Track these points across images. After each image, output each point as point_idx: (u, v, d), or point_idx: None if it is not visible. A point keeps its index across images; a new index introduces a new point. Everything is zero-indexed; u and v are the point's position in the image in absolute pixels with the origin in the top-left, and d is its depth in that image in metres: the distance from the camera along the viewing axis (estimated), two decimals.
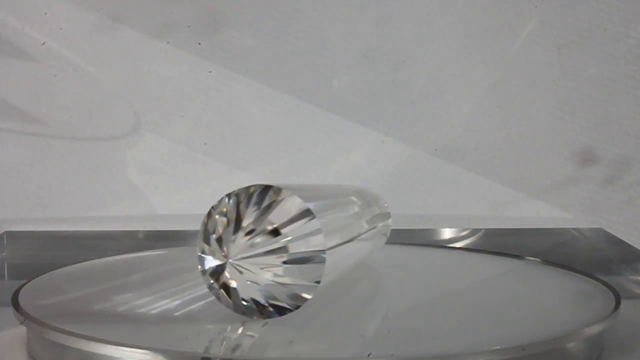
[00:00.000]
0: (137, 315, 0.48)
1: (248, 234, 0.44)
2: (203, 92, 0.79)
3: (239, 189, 0.45)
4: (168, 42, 0.78)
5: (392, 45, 0.79)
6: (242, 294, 0.44)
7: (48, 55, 0.78)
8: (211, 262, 0.45)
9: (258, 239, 0.44)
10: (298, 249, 0.44)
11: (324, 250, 0.44)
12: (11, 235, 0.78)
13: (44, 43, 0.78)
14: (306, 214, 0.44)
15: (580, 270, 0.57)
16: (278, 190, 0.44)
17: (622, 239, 0.76)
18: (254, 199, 0.45)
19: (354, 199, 0.57)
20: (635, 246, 0.74)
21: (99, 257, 0.61)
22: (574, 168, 0.80)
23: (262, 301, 0.44)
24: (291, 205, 0.44)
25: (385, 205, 0.62)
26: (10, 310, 0.46)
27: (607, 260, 0.73)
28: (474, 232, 0.79)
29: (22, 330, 0.46)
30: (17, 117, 0.79)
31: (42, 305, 0.47)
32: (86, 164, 0.79)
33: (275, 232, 0.44)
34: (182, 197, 0.79)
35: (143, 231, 0.78)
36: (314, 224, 0.44)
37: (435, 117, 0.80)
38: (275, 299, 0.44)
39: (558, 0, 0.78)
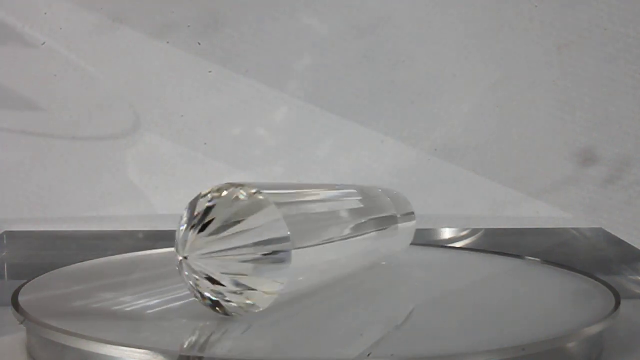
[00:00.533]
0: (137, 315, 0.48)
1: (204, 231, 0.43)
2: (203, 92, 0.79)
3: (211, 187, 0.45)
4: (168, 42, 0.78)
5: (392, 45, 0.79)
6: (201, 292, 0.44)
7: (48, 55, 0.78)
8: (176, 259, 0.45)
9: (216, 239, 0.43)
10: (260, 250, 0.43)
11: (290, 251, 0.43)
12: (11, 235, 0.78)
13: (44, 43, 0.78)
14: (271, 212, 0.43)
15: (580, 270, 0.57)
16: (244, 188, 0.44)
17: (622, 239, 0.76)
18: (220, 197, 0.44)
19: (350, 199, 0.56)
20: (635, 246, 0.74)
21: (99, 257, 0.61)
22: (574, 168, 0.80)
23: (221, 301, 0.44)
24: (257, 204, 0.44)
25: (410, 206, 0.61)
26: (10, 310, 0.46)
27: (607, 260, 0.73)
28: (474, 232, 0.79)
29: (22, 330, 0.46)
30: (17, 117, 0.79)
31: (42, 305, 0.47)
32: (86, 164, 0.79)
33: (235, 231, 0.43)
34: (182, 197, 0.79)
35: (143, 231, 0.78)
36: (279, 223, 0.43)
37: (435, 117, 0.80)
38: (236, 299, 0.44)
39: (558, 0, 0.78)
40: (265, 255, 0.43)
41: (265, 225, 0.43)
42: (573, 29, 0.78)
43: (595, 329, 0.44)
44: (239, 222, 0.43)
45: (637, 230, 0.80)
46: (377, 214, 0.56)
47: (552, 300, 0.53)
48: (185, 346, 0.42)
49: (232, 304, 0.44)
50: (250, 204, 0.44)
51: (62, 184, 0.79)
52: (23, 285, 0.50)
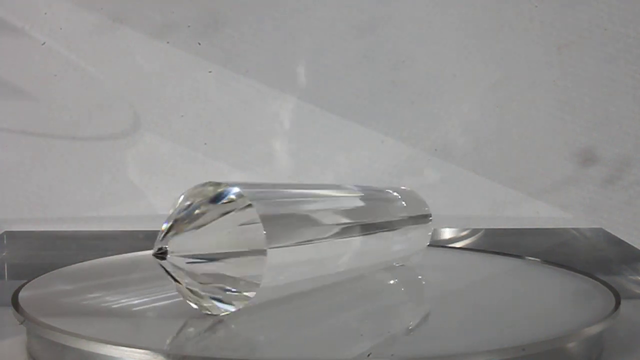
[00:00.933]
0: (137, 315, 0.48)
1: (180, 230, 0.43)
2: (203, 92, 0.79)
3: (193, 185, 0.45)
4: (168, 42, 0.78)
5: (392, 45, 0.79)
6: (180, 291, 0.44)
7: (48, 55, 0.78)
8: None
9: (190, 237, 0.43)
10: (235, 248, 0.43)
11: (265, 250, 0.43)
12: (11, 235, 0.78)
13: (44, 43, 0.78)
14: (248, 211, 0.43)
15: (580, 270, 0.57)
16: (222, 187, 0.44)
17: (622, 239, 0.76)
18: (198, 196, 0.44)
19: (346, 201, 0.55)
20: (635, 246, 0.74)
21: (99, 257, 0.61)
22: (574, 168, 0.80)
23: (200, 300, 0.44)
24: (235, 203, 0.43)
25: (426, 209, 0.60)
26: (10, 310, 0.46)
27: (607, 260, 0.73)
28: (474, 232, 0.79)
29: (22, 330, 0.46)
30: (17, 117, 0.79)
31: (42, 305, 0.47)
32: (86, 164, 0.79)
33: (210, 230, 0.43)
34: None
35: (143, 231, 0.78)
36: (255, 221, 0.43)
37: (435, 117, 0.80)
38: (212, 297, 0.44)
39: (558, 0, 0.78)
40: (240, 254, 0.43)
41: (242, 223, 0.43)
42: (573, 29, 0.78)
43: (595, 329, 0.44)
44: (214, 220, 0.43)
45: (637, 230, 0.80)
46: (378, 215, 0.55)
47: (552, 300, 0.53)
48: (181, 346, 0.42)
49: (211, 302, 0.44)
50: (228, 202, 0.44)
51: (62, 184, 0.79)
52: (23, 285, 0.50)
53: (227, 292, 0.43)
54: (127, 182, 0.80)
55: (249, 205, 0.43)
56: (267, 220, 0.44)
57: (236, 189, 0.44)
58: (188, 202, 0.44)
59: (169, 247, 0.43)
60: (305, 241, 0.47)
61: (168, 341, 0.42)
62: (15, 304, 0.46)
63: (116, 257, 0.62)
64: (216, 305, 0.44)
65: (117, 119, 0.80)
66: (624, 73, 0.78)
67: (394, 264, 0.59)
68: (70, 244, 0.77)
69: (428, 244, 0.61)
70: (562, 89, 0.79)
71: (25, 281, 0.51)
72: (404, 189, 0.61)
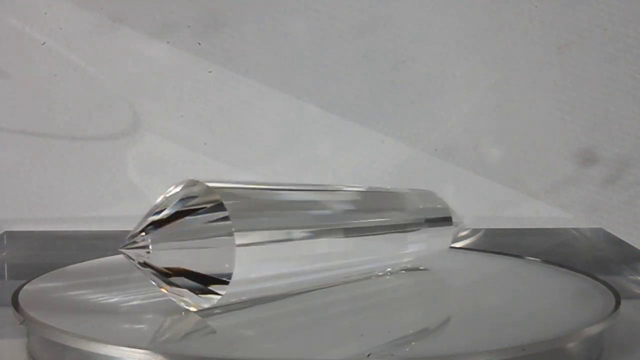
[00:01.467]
0: (137, 315, 0.48)
1: (150, 227, 0.44)
2: (203, 92, 0.79)
3: (169, 186, 0.45)
4: (168, 42, 0.78)
5: (392, 45, 0.79)
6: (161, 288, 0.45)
7: (48, 55, 0.78)
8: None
9: (159, 235, 0.44)
10: (204, 245, 0.43)
11: (233, 247, 0.43)
12: (11, 235, 0.78)
13: (44, 43, 0.78)
14: (218, 208, 0.43)
15: (580, 270, 0.57)
16: (197, 185, 0.44)
17: (622, 239, 0.76)
18: (170, 194, 0.45)
19: (340, 202, 0.53)
20: (635, 246, 0.74)
21: (99, 257, 0.61)
22: (574, 168, 0.80)
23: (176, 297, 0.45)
24: (206, 200, 0.44)
25: (446, 212, 0.59)
26: (10, 310, 0.46)
27: (607, 260, 0.73)
28: (474, 232, 0.79)
29: (22, 330, 0.46)
30: (17, 117, 0.79)
31: (42, 305, 0.47)
32: (86, 164, 0.79)
33: (179, 227, 0.43)
34: None
35: None
36: (225, 219, 0.43)
37: (435, 117, 0.80)
38: (185, 294, 0.44)
39: (558, 0, 0.78)
40: (209, 250, 0.43)
41: (212, 221, 0.43)
42: (573, 29, 0.78)
43: (595, 329, 0.44)
44: (183, 218, 0.43)
45: (637, 230, 0.80)
46: (380, 217, 0.55)
47: (552, 300, 0.53)
48: (179, 345, 0.42)
49: (186, 298, 0.44)
50: (199, 198, 0.44)
51: (62, 184, 0.79)
52: (23, 285, 0.50)
53: (199, 288, 0.44)
54: (127, 182, 0.80)
55: (220, 203, 0.43)
56: (239, 218, 0.44)
57: (206, 186, 0.44)
58: (158, 202, 0.45)
59: (137, 246, 0.44)
60: (280, 239, 0.47)
61: (167, 339, 0.42)
62: (15, 304, 0.46)
63: (116, 257, 0.61)
64: (191, 302, 0.44)
65: (117, 119, 0.80)
66: (624, 73, 0.78)
67: (406, 266, 0.58)
68: (70, 244, 0.77)
69: (449, 247, 0.59)
70: (562, 89, 0.79)
71: (25, 281, 0.51)
72: (424, 191, 0.60)
